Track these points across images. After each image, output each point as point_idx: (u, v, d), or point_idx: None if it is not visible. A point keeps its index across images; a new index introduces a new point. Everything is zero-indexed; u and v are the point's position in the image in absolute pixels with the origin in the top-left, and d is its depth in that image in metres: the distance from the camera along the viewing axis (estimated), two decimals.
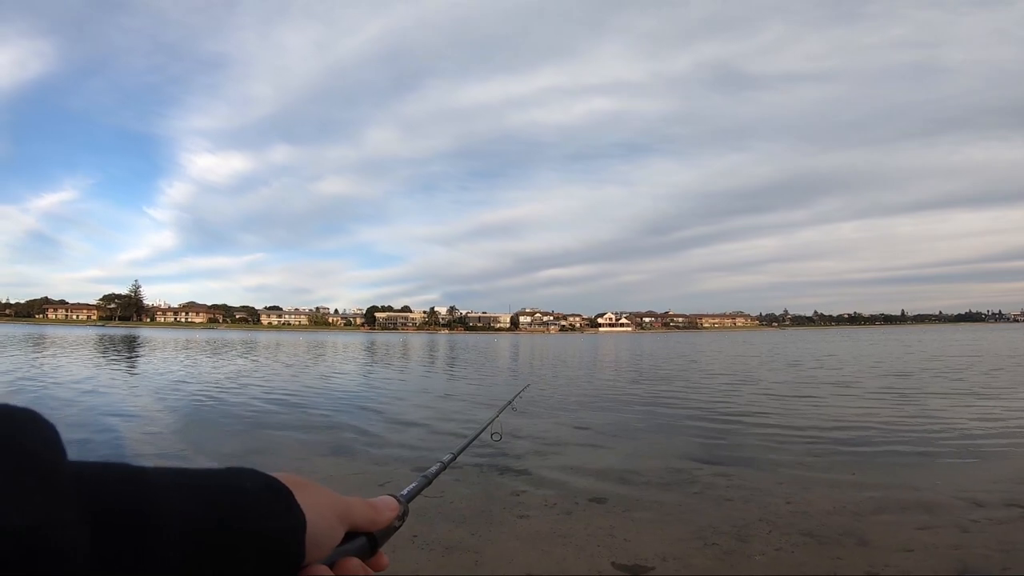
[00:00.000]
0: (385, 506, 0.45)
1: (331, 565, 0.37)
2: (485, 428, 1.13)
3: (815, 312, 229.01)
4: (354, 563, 0.39)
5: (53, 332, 58.30)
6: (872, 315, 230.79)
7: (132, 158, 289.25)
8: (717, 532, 3.43)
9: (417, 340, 60.23)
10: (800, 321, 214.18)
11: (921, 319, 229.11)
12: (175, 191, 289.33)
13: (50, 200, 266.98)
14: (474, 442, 0.95)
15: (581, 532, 3.46)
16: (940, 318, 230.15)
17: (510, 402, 1.53)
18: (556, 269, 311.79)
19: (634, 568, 2.96)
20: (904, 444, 5.87)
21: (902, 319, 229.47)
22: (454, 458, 0.74)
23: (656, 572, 2.91)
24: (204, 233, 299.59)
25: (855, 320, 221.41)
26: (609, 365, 20.04)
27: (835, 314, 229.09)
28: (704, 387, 11.82)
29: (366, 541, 0.41)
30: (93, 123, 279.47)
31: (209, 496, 0.31)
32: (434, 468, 0.67)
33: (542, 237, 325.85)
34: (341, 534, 0.38)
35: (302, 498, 0.35)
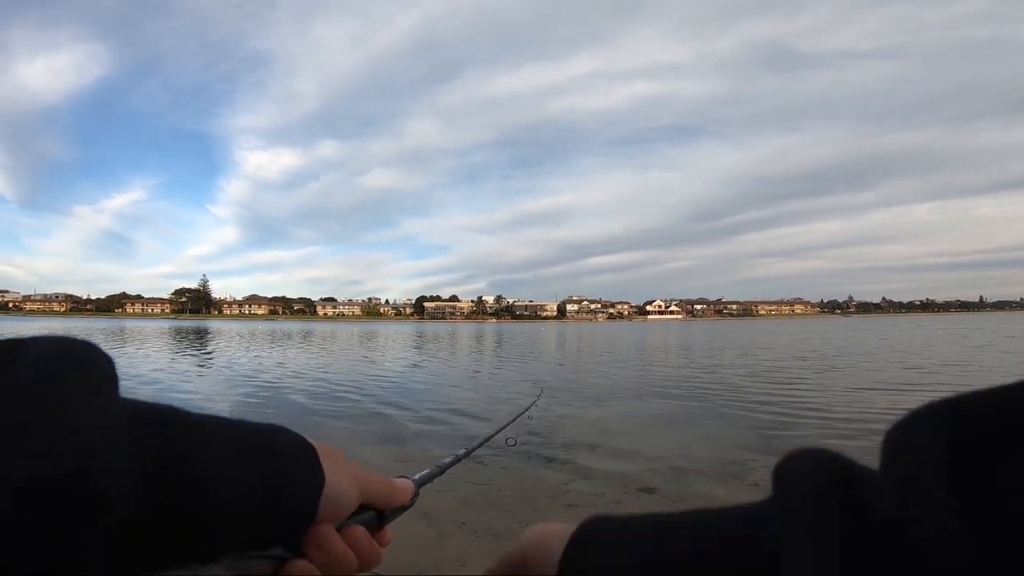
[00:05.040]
0: (403, 487, 0.45)
1: (339, 530, 0.38)
2: (499, 432, 1.14)
3: (883, 299, 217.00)
4: (360, 531, 0.39)
5: (137, 325, 62.61)
6: (947, 301, 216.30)
7: (192, 157, 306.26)
8: None
9: (466, 329, 61.08)
10: (866, 308, 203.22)
11: (1001, 306, 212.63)
12: (233, 188, 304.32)
13: (120, 201, 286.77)
14: (496, 441, 0.96)
15: None
16: (1022, 304, 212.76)
17: (526, 410, 1.47)
18: (602, 256, 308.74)
19: None
20: None
21: (980, 306, 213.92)
22: (468, 454, 0.76)
23: None
24: (262, 228, 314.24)
25: (927, 307, 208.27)
26: (659, 353, 19.64)
27: (905, 301, 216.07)
28: (760, 376, 11.39)
29: (375, 516, 0.42)
30: (153, 124, 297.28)
31: (251, 450, 0.32)
32: (448, 459, 0.67)
33: (587, 224, 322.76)
34: (355, 504, 0.39)
35: (325, 462, 0.36)
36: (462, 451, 0.76)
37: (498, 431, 1.08)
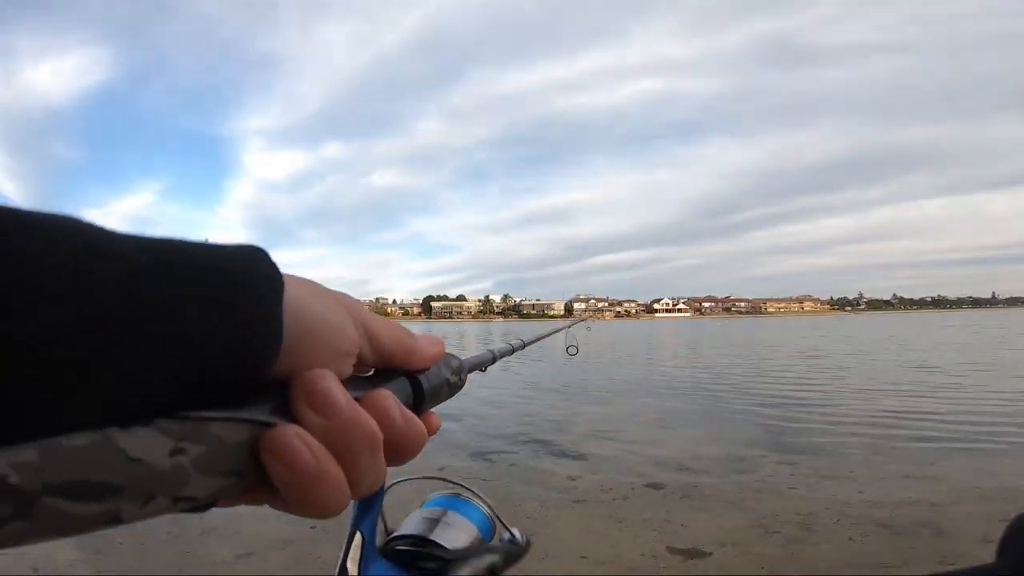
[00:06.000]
0: (428, 341, 0.31)
1: (359, 396, 0.24)
2: (561, 330, 1.01)
3: (894, 295, 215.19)
4: (386, 396, 0.25)
5: None
6: (959, 298, 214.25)
7: (199, 160, 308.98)
8: (780, 520, 3.32)
9: (474, 329, 61.11)
10: (876, 305, 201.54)
11: (1014, 302, 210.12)
12: (240, 190, 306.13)
13: (130, 203, 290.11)
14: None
15: (636, 517, 3.45)
16: None
17: (586, 319, 1.46)
18: (610, 255, 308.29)
19: (690, 553, 2.93)
20: (990, 433, 5.45)
21: (993, 302, 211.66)
22: (524, 346, 0.68)
23: (713, 558, 2.87)
24: (269, 229, 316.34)
25: (939, 304, 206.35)
26: (666, 351, 19.64)
27: (916, 297, 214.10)
28: (769, 373, 11.38)
29: (406, 381, 0.29)
30: (160, 127, 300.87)
31: (155, 240, 0.19)
32: (500, 347, 0.55)
33: (594, 222, 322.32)
34: (355, 343, 0.25)
35: (300, 281, 0.24)
36: (517, 342, 0.67)
37: (558, 330, 0.94)
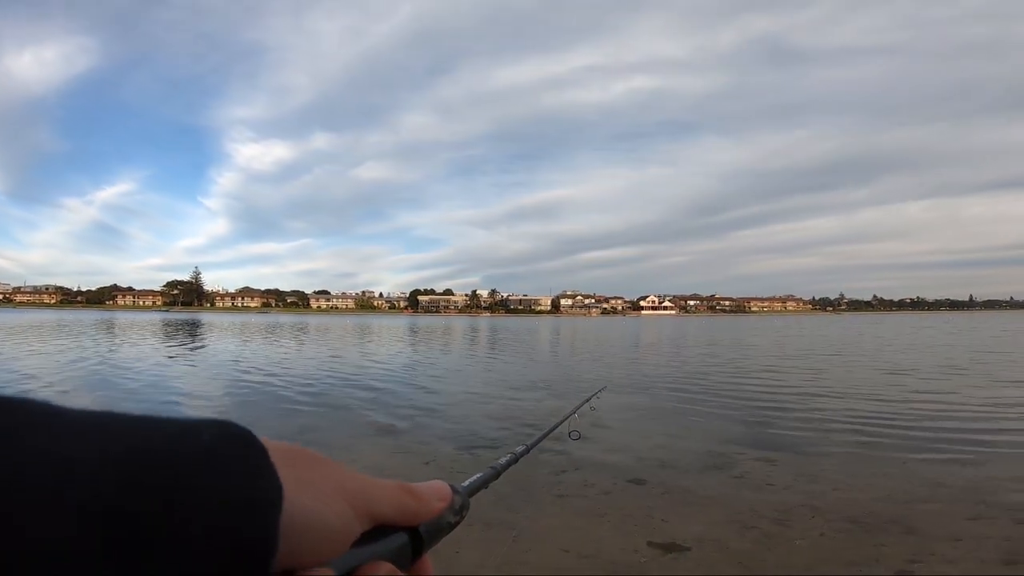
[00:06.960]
0: (431, 492, 0.32)
1: (349, 573, 0.25)
2: (562, 422, 1.02)
3: (874, 296, 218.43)
4: (383, 569, 0.27)
5: (128, 317, 61.99)
6: (937, 300, 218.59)
7: (183, 149, 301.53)
8: (757, 516, 3.41)
9: (459, 323, 60.99)
10: (857, 306, 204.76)
11: (990, 305, 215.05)
12: (225, 180, 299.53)
13: (110, 192, 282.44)
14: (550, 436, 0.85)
15: (618, 512, 3.51)
16: (1011, 304, 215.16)
17: (587, 400, 1.46)
18: (598, 251, 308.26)
19: (670, 547, 3.00)
20: (961, 433, 5.61)
21: (970, 305, 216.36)
22: (527, 450, 0.64)
23: (692, 553, 2.94)
24: (254, 220, 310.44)
25: (918, 305, 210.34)
26: (650, 349, 19.82)
27: (896, 299, 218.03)
28: (750, 372, 11.56)
29: (407, 540, 0.30)
30: (144, 116, 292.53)
31: (129, 442, 0.19)
32: (503, 459, 0.56)
33: (583, 219, 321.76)
34: (356, 527, 0.26)
35: (295, 471, 0.24)
36: (520, 448, 0.64)
37: (559, 423, 0.96)
